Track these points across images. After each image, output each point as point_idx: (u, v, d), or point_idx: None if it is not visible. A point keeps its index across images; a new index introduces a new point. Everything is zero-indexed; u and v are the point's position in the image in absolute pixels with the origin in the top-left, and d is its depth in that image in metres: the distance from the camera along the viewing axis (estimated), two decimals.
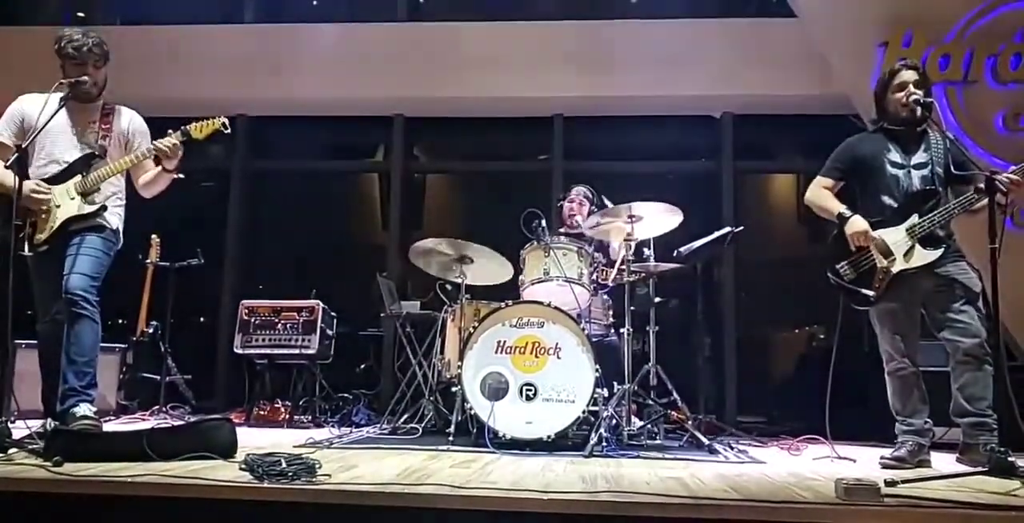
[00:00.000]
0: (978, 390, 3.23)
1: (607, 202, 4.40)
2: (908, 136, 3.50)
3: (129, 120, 3.70)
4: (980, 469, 2.71)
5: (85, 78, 3.45)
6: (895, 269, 3.37)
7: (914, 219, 3.36)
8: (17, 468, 2.50)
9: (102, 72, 3.56)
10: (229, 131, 3.58)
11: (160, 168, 3.57)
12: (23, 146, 3.32)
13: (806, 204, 3.73)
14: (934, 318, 3.38)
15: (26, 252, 3.41)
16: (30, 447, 2.87)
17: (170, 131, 3.53)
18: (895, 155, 3.49)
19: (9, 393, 3.37)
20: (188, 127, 3.53)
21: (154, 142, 3.54)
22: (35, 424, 3.39)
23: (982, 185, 2.97)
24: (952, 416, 3.32)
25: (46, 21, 6.73)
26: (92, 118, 3.61)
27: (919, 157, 3.46)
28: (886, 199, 3.47)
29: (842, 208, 3.52)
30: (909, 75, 3.48)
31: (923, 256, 3.33)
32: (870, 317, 3.53)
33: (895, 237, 3.38)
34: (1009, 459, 2.60)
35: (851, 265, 3.49)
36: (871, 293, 3.41)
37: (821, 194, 3.64)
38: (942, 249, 3.31)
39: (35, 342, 3.67)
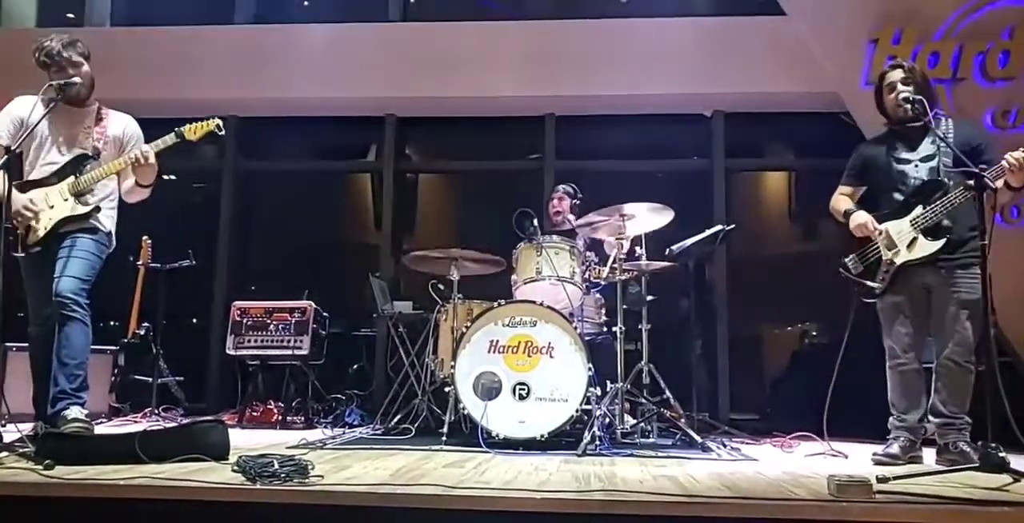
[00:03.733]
0: (955, 395, 3.28)
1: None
2: (911, 132, 3.52)
3: (124, 125, 3.69)
4: (971, 465, 2.73)
5: (75, 80, 3.44)
6: (899, 261, 3.39)
7: (919, 210, 3.37)
8: (8, 472, 2.49)
9: (84, 70, 3.53)
10: (223, 133, 3.59)
11: (134, 181, 3.57)
12: (13, 148, 3.32)
13: (831, 213, 3.74)
14: (933, 315, 3.39)
15: (19, 253, 3.40)
16: (21, 451, 2.86)
17: (177, 128, 3.53)
18: (900, 151, 3.52)
19: (0, 396, 3.36)
20: (182, 129, 3.53)
21: (133, 150, 3.52)
22: (26, 427, 3.38)
23: (971, 182, 2.98)
24: (928, 413, 3.37)
25: (35, 23, 6.70)
26: (87, 122, 3.60)
27: (925, 149, 3.47)
28: (895, 195, 3.49)
29: (848, 206, 3.60)
30: (896, 74, 3.50)
31: (926, 247, 3.33)
32: (877, 311, 3.54)
33: (899, 228, 3.40)
34: (1000, 455, 2.62)
35: (858, 257, 3.53)
36: (876, 285, 3.44)
37: (837, 200, 3.70)
38: (944, 239, 3.30)
39: (25, 345, 3.65)
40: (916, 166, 3.47)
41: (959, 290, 3.30)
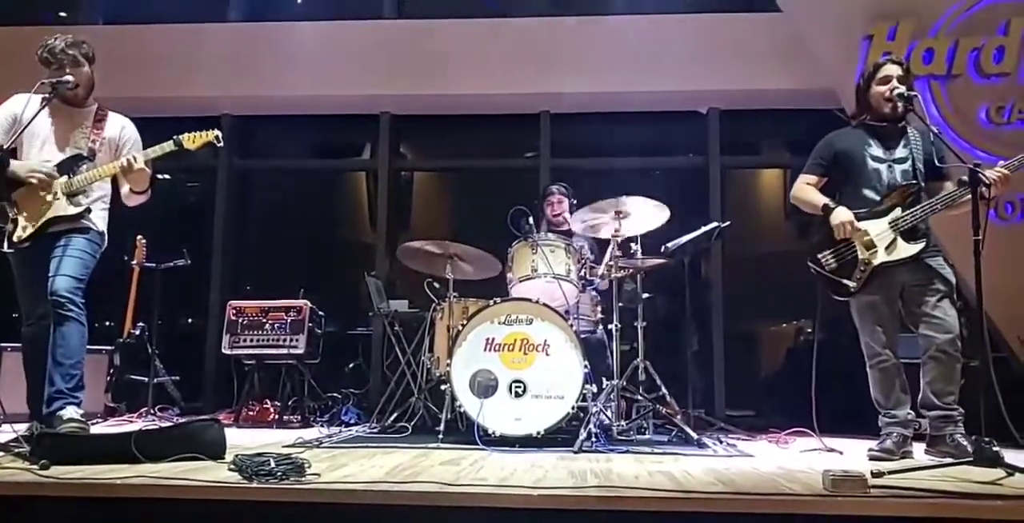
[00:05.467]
0: (946, 385, 3.30)
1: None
2: (888, 131, 3.53)
3: (121, 127, 3.70)
4: (966, 459, 2.74)
5: (67, 78, 3.44)
6: (876, 261, 3.40)
7: (897, 212, 3.38)
8: (3, 472, 2.49)
9: (83, 71, 3.54)
10: (221, 144, 3.60)
11: (128, 188, 3.59)
12: (5, 147, 3.32)
13: (792, 202, 3.76)
14: (911, 312, 3.42)
15: (6, 249, 3.40)
16: (16, 451, 2.85)
17: (176, 136, 3.53)
18: (875, 149, 3.52)
19: None
20: (181, 137, 3.54)
21: (124, 156, 3.52)
22: (21, 427, 3.38)
23: (965, 178, 3.00)
24: (920, 408, 3.39)
25: (27, 21, 6.67)
26: (85, 123, 3.61)
27: (900, 152, 3.49)
28: (868, 192, 3.49)
29: (826, 199, 3.57)
30: (893, 69, 3.50)
31: (905, 249, 3.36)
32: (851, 310, 3.56)
33: (878, 229, 3.41)
34: (994, 449, 2.63)
35: (833, 255, 3.52)
36: (852, 284, 3.44)
37: (806, 189, 3.68)
38: (923, 243, 3.34)
39: (20, 345, 3.64)
40: (890, 167, 3.49)
41: (934, 282, 3.34)
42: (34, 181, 3.41)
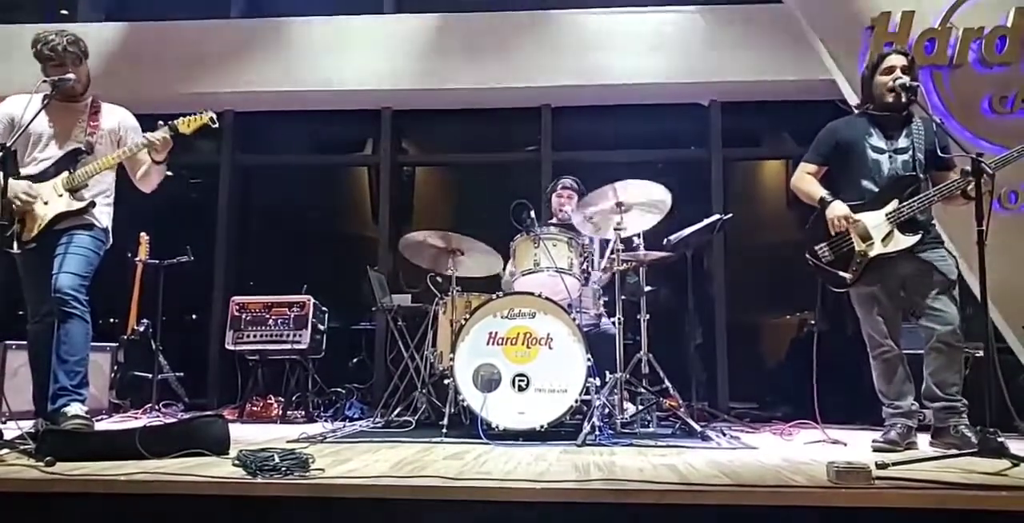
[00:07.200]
0: (949, 376, 3.30)
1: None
2: (891, 121, 3.52)
3: (119, 118, 3.69)
4: (970, 450, 2.74)
5: (70, 76, 3.43)
6: (872, 253, 3.40)
7: (894, 204, 3.38)
8: (9, 468, 2.49)
9: (83, 69, 3.55)
10: (217, 126, 3.58)
11: (151, 161, 3.57)
12: (8, 145, 3.31)
13: (791, 189, 3.76)
14: (912, 303, 3.42)
15: (14, 250, 3.40)
16: (22, 447, 2.86)
17: (160, 123, 3.53)
18: (876, 140, 3.51)
19: (0, 394, 3.36)
20: (175, 122, 3.54)
21: (145, 134, 3.53)
22: (26, 424, 3.39)
23: (968, 168, 2.99)
24: (923, 399, 3.39)
25: (29, 19, 6.66)
26: (81, 117, 3.60)
27: (901, 142, 3.48)
28: (866, 183, 3.49)
29: (824, 192, 3.57)
30: (897, 60, 3.50)
31: (901, 241, 3.36)
32: (852, 301, 3.56)
33: (874, 221, 3.40)
34: (999, 439, 2.63)
35: (829, 247, 3.52)
36: (848, 275, 3.44)
37: (805, 179, 3.68)
38: (920, 234, 3.34)
39: (25, 343, 3.65)
40: (891, 157, 3.48)
41: (934, 274, 3.33)
42: (17, 204, 3.37)
